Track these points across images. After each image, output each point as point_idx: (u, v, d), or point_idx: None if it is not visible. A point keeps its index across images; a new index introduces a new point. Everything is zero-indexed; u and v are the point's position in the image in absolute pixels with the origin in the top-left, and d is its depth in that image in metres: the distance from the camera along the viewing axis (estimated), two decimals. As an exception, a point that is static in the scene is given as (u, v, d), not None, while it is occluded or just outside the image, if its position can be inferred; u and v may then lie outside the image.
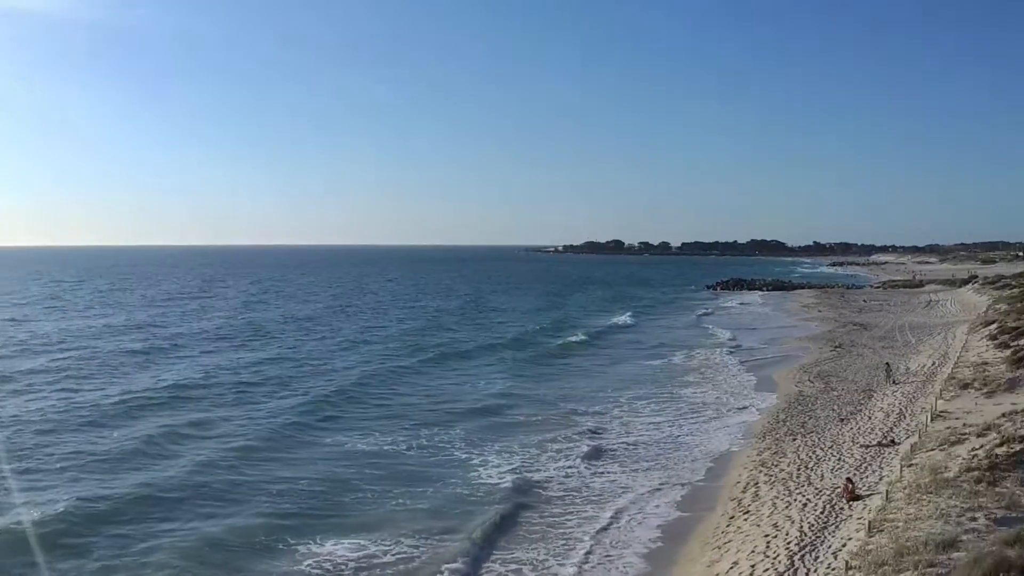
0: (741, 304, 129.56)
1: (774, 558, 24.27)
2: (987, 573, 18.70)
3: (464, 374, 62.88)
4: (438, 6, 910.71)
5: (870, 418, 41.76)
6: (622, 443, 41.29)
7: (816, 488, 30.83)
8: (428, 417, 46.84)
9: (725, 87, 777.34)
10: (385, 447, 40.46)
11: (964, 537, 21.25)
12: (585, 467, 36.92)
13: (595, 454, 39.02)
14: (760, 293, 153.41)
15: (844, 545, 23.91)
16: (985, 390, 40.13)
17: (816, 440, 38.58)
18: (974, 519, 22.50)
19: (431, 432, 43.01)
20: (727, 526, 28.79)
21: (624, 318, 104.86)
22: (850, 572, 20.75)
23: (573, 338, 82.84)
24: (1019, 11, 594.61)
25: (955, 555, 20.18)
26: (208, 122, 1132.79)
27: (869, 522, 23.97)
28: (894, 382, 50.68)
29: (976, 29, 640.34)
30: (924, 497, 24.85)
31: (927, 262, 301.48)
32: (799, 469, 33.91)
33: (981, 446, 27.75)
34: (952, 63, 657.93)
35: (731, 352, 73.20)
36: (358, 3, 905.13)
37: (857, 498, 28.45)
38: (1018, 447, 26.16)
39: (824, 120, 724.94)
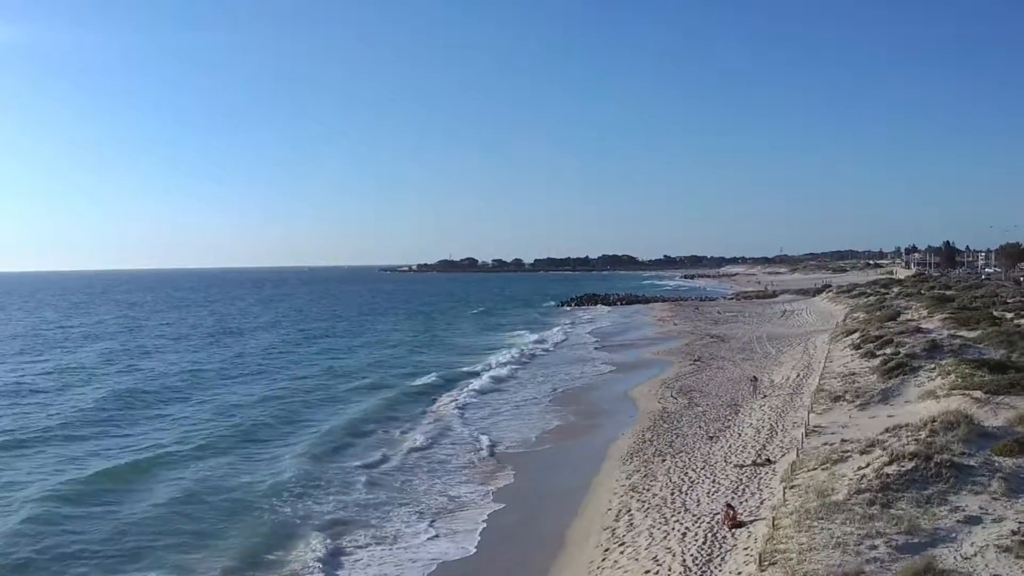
0: (596, 319, 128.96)
1: (658, 599, 21.75)
2: (903, 614, 16.64)
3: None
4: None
5: (740, 435, 39.99)
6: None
7: (694, 515, 28.57)
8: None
9: (566, 99, 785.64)
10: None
11: (867, 568, 19.16)
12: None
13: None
14: (614, 308, 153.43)
15: (734, 581, 21.58)
16: (858, 402, 38.89)
17: (687, 461, 36.50)
18: (874, 547, 20.45)
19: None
20: (602, 560, 26.24)
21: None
22: (746, 615, 18.42)
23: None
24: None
25: (860, 591, 18.10)
26: None
27: (759, 554, 21.68)
28: (763, 396, 49.14)
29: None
30: (815, 524, 22.73)
31: (777, 272, 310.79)
32: (673, 493, 31.67)
33: (867, 464, 25.95)
34: (796, 78, 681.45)
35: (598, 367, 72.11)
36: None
37: (740, 525, 26.27)
38: (909, 465, 24.47)
39: (668, 137, 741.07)
